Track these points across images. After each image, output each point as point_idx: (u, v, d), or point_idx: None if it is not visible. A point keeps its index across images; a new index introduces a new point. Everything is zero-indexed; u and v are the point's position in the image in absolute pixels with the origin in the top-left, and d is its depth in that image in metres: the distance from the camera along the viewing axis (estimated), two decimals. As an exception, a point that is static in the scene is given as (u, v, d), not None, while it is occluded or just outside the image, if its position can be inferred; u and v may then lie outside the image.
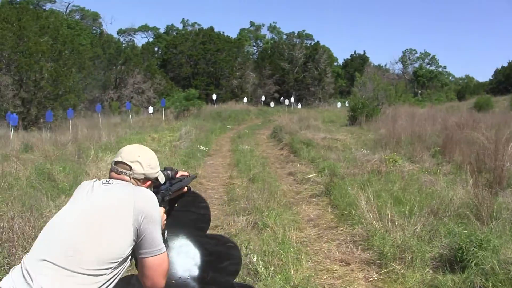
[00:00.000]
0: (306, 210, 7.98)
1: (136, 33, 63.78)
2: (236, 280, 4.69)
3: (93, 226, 2.25)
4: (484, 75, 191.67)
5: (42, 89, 23.80)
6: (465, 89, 67.91)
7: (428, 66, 69.79)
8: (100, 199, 2.34)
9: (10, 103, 22.89)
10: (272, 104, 43.42)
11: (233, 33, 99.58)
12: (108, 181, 2.45)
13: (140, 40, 77.77)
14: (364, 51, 77.97)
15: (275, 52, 56.36)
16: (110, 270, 2.22)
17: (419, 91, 63.19)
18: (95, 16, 59.22)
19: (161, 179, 2.69)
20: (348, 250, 5.75)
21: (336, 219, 7.17)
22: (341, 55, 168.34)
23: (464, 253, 4.64)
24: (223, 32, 50.87)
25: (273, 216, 6.69)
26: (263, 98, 44.98)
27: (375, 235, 5.72)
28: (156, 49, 56.54)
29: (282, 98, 46.80)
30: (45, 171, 7.87)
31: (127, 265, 2.38)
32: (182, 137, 15.90)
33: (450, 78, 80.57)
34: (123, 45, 41.96)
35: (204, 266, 2.90)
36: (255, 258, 4.81)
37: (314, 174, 10.55)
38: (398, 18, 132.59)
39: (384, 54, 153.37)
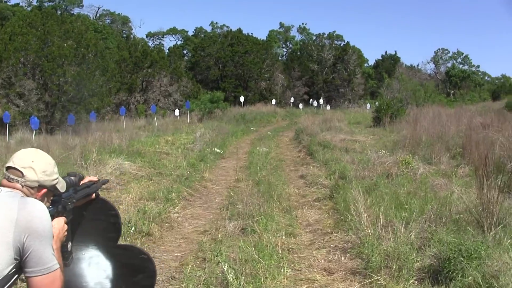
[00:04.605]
0: (306, 214, 7.68)
1: (165, 36, 63.86)
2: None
3: None
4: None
5: (65, 93, 24.01)
6: (500, 88, 66.16)
7: (460, 66, 68.19)
8: None
9: (34, 107, 23.13)
10: (301, 106, 43.04)
11: (262, 35, 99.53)
12: None
13: (169, 43, 78.09)
14: (396, 51, 77.17)
15: (304, 53, 55.91)
16: None
17: (452, 91, 61.77)
18: (125, 20, 59.71)
19: (61, 187, 2.42)
20: (335, 258, 5.42)
21: (334, 225, 6.84)
22: (372, 55, 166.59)
23: (452, 264, 4.27)
24: (251, 33, 50.66)
25: (263, 221, 6.38)
26: (292, 100, 44.52)
27: (366, 242, 5.37)
28: (184, 52, 56.72)
29: (311, 100, 46.34)
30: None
31: (10, 286, 2.12)
32: (197, 139, 15.71)
33: (486, 78, 78.49)
34: (150, 48, 41.98)
35: (117, 279, 2.67)
36: (226, 266, 4.51)
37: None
38: (430, 18, 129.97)
39: (416, 54, 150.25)
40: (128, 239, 5.89)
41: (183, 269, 5.10)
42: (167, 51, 48.54)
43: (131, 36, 50.13)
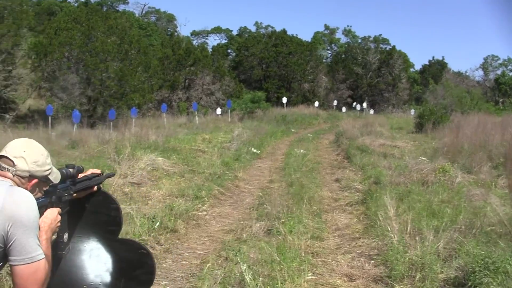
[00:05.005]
0: (336, 218, 7.55)
1: (209, 35, 64.10)
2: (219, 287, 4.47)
3: None
4: None
5: (108, 88, 24.48)
6: (554, 98, 63.70)
7: (511, 74, 65.94)
8: None
9: (77, 101, 23.67)
10: (344, 109, 42.60)
11: (307, 37, 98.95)
12: None
13: (213, 42, 78.54)
14: (443, 56, 75.27)
15: (349, 56, 55.33)
16: None
17: (501, 100, 59.89)
18: (170, 18, 60.38)
19: (54, 179, 2.41)
20: (359, 264, 5.30)
21: (363, 230, 6.71)
22: (419, 61, 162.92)
23: (477, 277, 4.10)
24: (296, 34, 50.40)
25: (289, 223, 6.30)
26: (335, 102, 44.15)
27: (391, 249, 5.24)
28: (228, 51, 56.89)
29: (355, 103, 45.78)
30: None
31: None
32: (234, 139, 15.72)
33: (538, 87, 75.61)
34: (194, 46, 42.31)
35: (117, 273, 2.66)
36: (244, 267, 4.46)
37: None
38: (480, 23, 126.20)
39: (465, 61, 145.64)
40: (152, 234, 5.92)
41: (203, 267, 5.08)
42: (210, 49, 48.78)
43: (175, 34, 50.60)
